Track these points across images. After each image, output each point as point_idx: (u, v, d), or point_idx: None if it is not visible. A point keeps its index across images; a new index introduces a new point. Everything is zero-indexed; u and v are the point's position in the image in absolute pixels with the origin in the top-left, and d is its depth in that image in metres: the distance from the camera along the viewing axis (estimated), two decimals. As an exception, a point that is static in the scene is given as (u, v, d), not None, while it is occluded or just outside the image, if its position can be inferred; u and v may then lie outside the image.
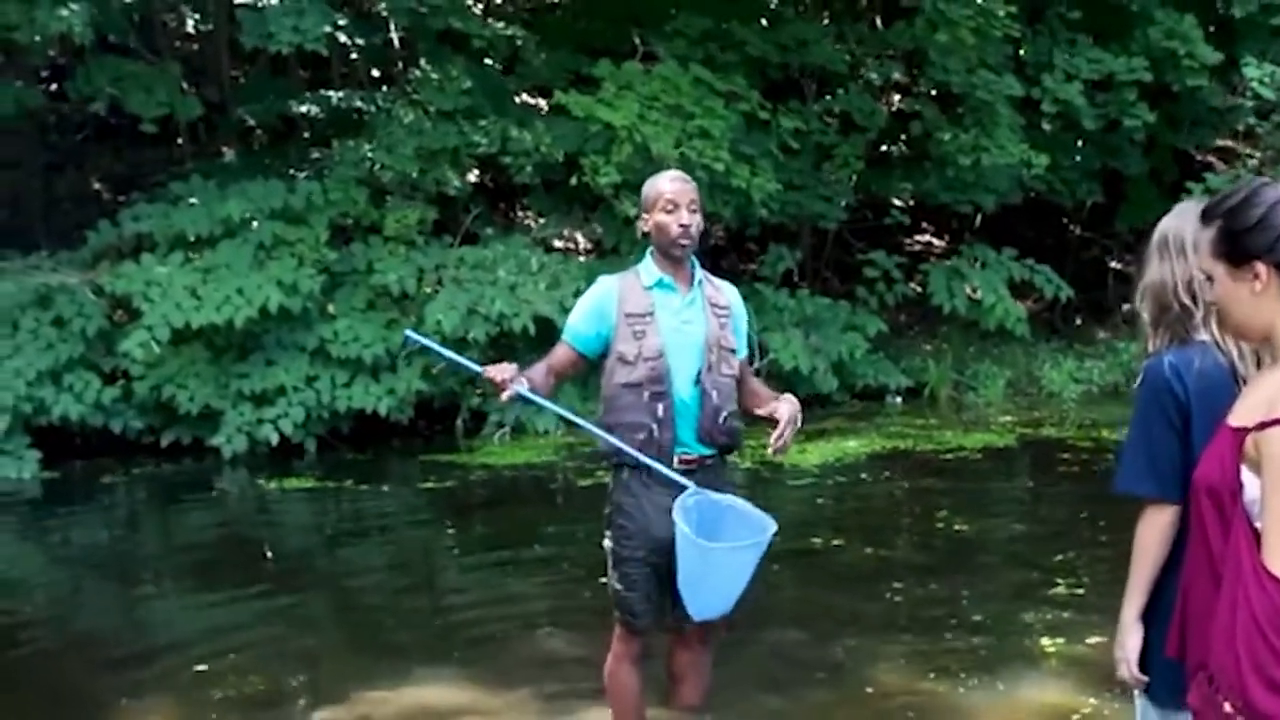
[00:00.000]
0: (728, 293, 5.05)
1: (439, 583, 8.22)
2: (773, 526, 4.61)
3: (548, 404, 4.84)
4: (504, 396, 4.69)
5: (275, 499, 10.35)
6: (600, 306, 4.90)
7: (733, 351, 4.94)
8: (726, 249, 16.06)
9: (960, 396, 13.81)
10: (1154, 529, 3.28)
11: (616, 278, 5.02)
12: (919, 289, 15.01)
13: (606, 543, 5.00)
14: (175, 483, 10.93)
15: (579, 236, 14.94)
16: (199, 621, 7.23)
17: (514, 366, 4.71)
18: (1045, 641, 6.16)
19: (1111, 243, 16.80)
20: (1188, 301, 3.34)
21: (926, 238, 17.67)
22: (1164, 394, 3.26)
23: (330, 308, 11.90)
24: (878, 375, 13.76)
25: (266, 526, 9.93)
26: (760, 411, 4.98)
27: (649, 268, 4.94)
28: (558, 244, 14.37)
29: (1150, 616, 3.33)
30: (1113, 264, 16.81)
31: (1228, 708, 2.57)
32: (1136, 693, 3.44)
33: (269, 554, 8.98)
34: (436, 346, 5.50)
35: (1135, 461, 3.32)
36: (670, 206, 4.83)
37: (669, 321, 4.87)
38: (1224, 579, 2.65)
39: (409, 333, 5.58)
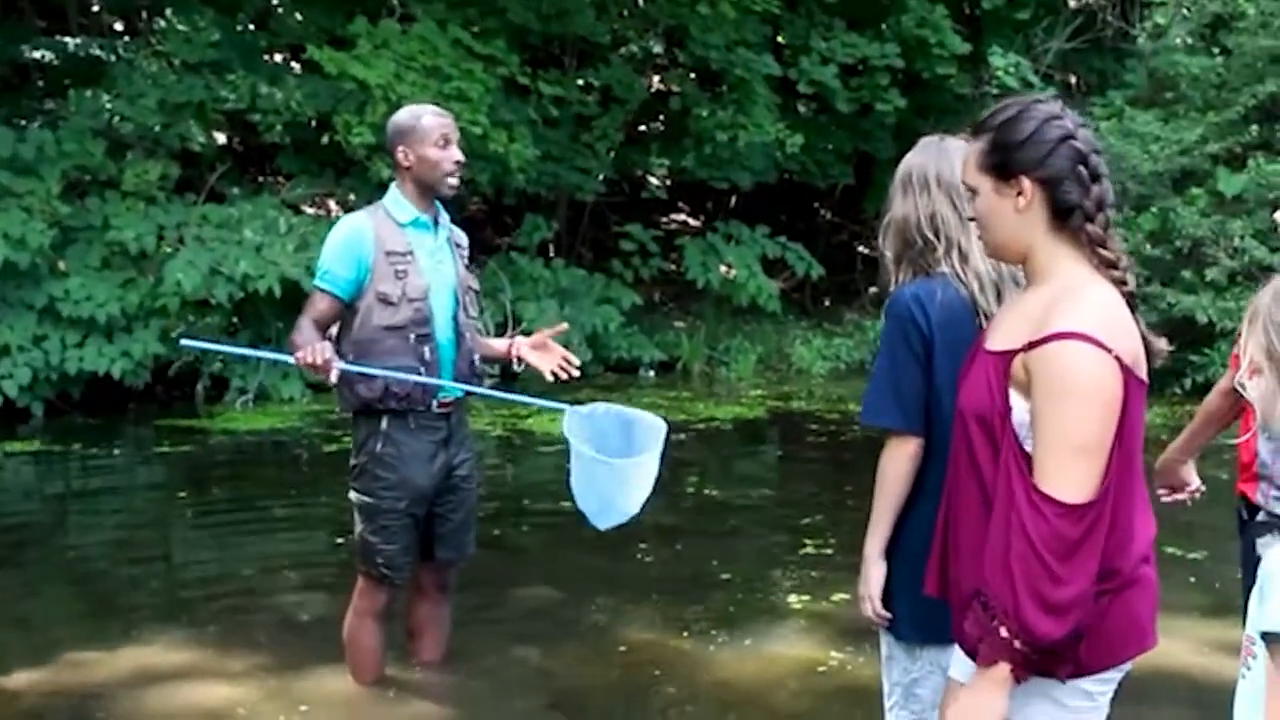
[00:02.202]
0: (458, 232, 4.94)
1: (171, 547, 7.83)
2: (662, 428, 4.45)
3: (372, 370, 4.56)
4: (331, 379, 4.41)
5: (-4, 464, 9.75)
6: (355, 247, 4.66)
7: (477, 292, 4.84)
8: (484, 220, 15.85)
9: (713, 371, 13.92)
10: (898, 460, 3.26)
11: (365, 213, 4.82)
12: (674, 264, 15.08)
13: (355, 495, 4.79)
14: (-116, 446, 10.19)
15: (330, 201, 14.52)
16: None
17: (321, 345, 4.40)
18: (792, 599, 6.17)
19: (860, 227, 17.18)
20: (930, 235, 3.34)
21: (683, 215, 17.80)
22: (907, 324, 3.25)
23: (62, 264, 11.26)
24: (631, 348, 13.77)
25: (-15, 492, 9.33)
26: (546, 332, 4.88)
27: (401, 204, 4.74)
28: (310, 209, 13.94)
29: (893, 553, 3.31)
30: (860, 248, 17.21)
31: (1004, 632, 2.53)
32: (881, 630, 3.42)
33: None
34: (220, 347, 5.23)
35: (880, 394, 3.30)
36: (443, 141, 4.67)
37: (426, 261, 4.69)
38: (994, 504, 2.62)
39: (184, 341, 5.25)
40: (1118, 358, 2.53)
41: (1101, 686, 2.71)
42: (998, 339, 2.72)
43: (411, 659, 5.11)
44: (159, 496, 9.03)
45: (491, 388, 4.93)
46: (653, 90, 15.94)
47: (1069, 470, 2.51)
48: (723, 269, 14.47)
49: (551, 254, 14.46)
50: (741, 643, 5.60)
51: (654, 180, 16.54)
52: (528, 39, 14.13)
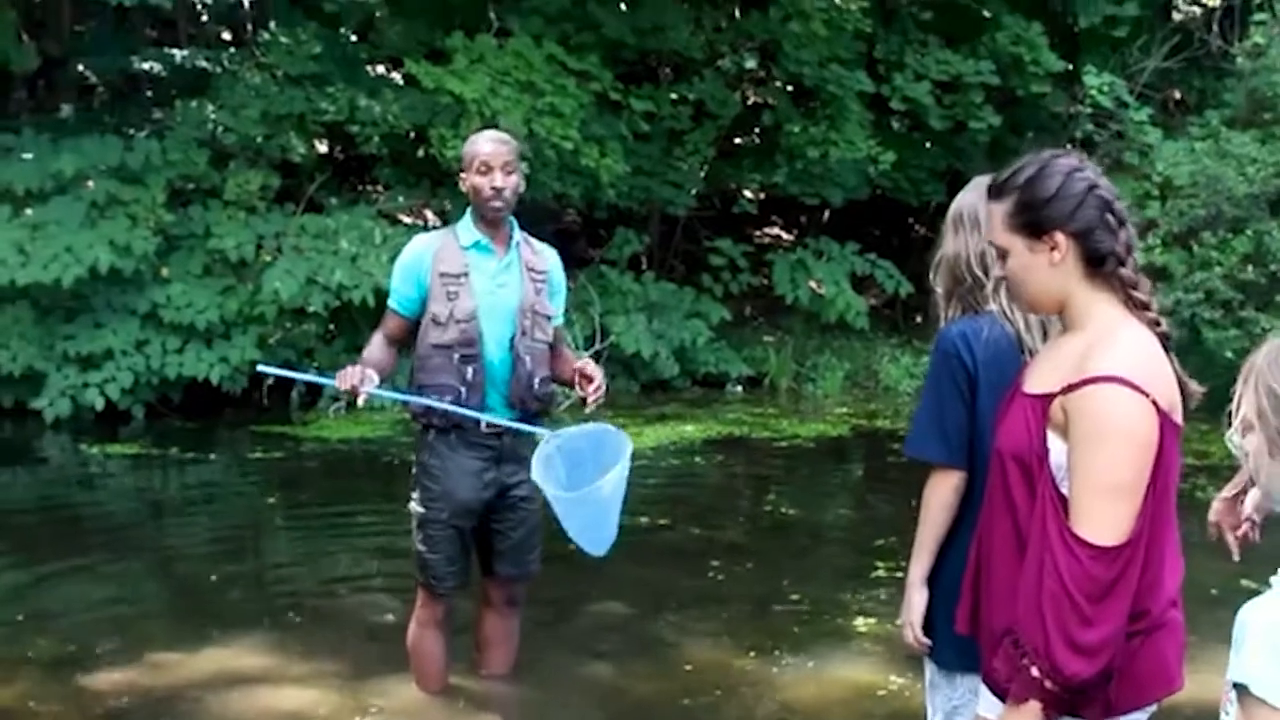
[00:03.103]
0: (547, 257, 5.04)
1: (260, 550, 8.09)
2: (629, 445, 4.60)
3: (395, 395, 4.80)
4: (359, 401, 4.68)
5: (98, 465, 10.07)
6: (416, 266, 4.86)
7: (548, 318, 4.93)
8: (578, 233, 16.03)
9: (799, 387, 13.95)
10: (940, 492, 3.36)
11: (433, 235, 5.01)
12: (764, 280, 15.13)
13: (412, 505, 4.97)
14: (-6, 445, 10.58)
15: (427, 211, 14.77)
16: (3, 584, 6.99)
17: (359, 369, 4.64)
18: (859, 621, 6.24)
19: (954, 243, 17.10)
20: (979, 273, 3.43)
21: (775, 230, 17.83)
22: (953, 361, 3.34)
23: (164, 271, 11.58)
24: (719, 363, 13.83)
25: (88, 492, 9.65)
26: (565, 374, 4.98)
27: (467, 228, 4.91)
28: (404, 217, 14.21)
29: (934, 582, 3.40)
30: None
31: (1035, 672, 2.61)
32: (925, 657, 3.50)
33: (88, 520, 8.73)
34: (287, 372, 5.53)
35: (925, 427, 3.40)
36: (484, 168, 4.80)
37: (483, 284, 4.84)
38: (1029, 544, 2.69)
39: (260, 367, 5.63)
40: (1154, 401, 2.60)
41: None
42: (1036, 382, 2.79)
43: (479, 670, 5.26)
44: (252, 501, 9.30)
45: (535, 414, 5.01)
46: (748, 104, 16.01)
47: (1103, 512, 2.58)
48: (812, 285, 14.50)
49: (644, 267, 14.58)
50: (804, 665, 5.68)
51: (747, 195, 16.60)
52: (622, 53, 14.28)
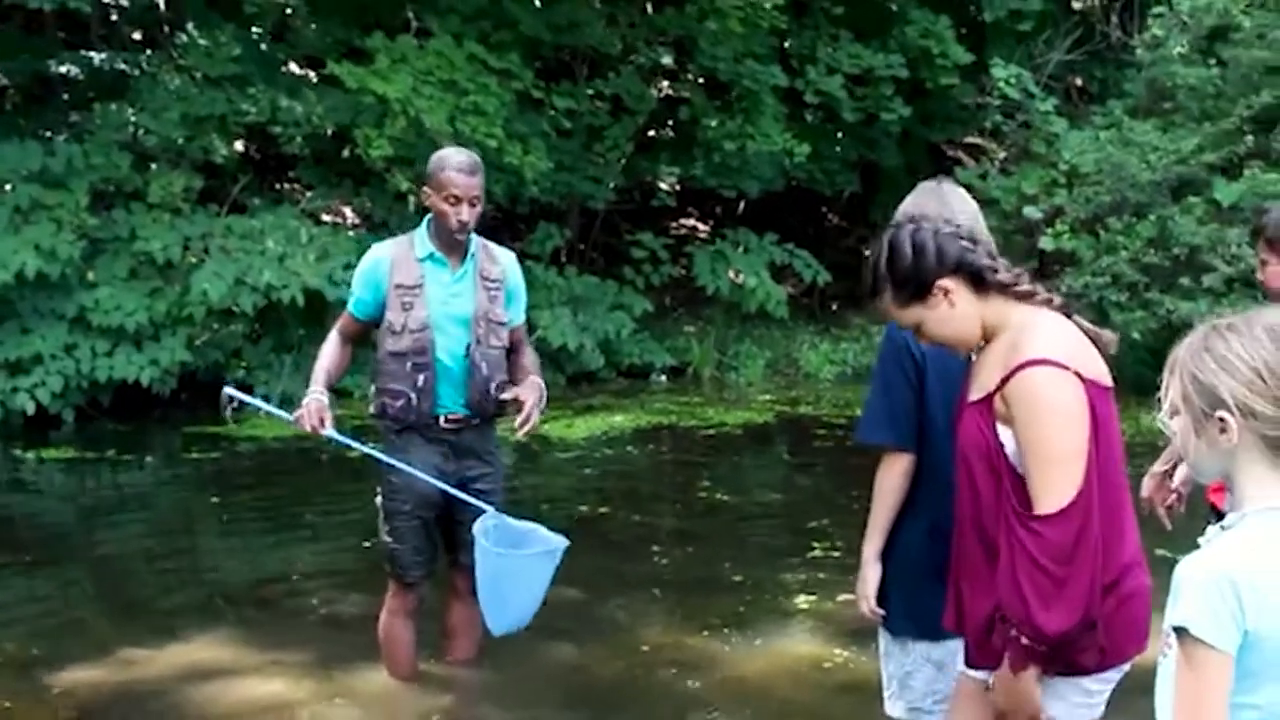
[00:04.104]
0: (503, 262, 5.22)
1: (205, 550, 8.18)
2: (564, 542, 4.89)
3: (348, 441, 5.07)
4: (323, 435, 4.91)
5: (31, 470, 10.07)
6: (373, 274, 5.07)
7: (502, 324, 5.12)
8: (499, 226, 16.16)
9: (722, 376, 14.22)
10: (892, 474, 3.61)
11: (390, 244, 5.18)
12: (684, 271, 15.38)
13: (378, 499, 5.15)
14: (-79, 452, 10.53)
15: (347, 210, 14.84)
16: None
17: (316, 409, 4.87)
18: (800, 599, 6.50)
19: (867, 232, 17.44)
20: None
21: (692, 221, 18.09)
22: (901, 352, 3.59)
23: (91, 275, 11.58)
24: (643, 354, 14.06)
25: (21, 496, 9.66)
26: (505, 396, 5.12)
27: (423, 239, 5.09)
28: (327, 217, 14.26)
29: (887, 556, 3.65)
30: (867, 253, 17.41)
31: (1024, 640, 2.89)
32: (880, 627, 3.76)
33: (24, 524, 8.77)
34: (252, 400, 5.66)
35: (876, 414, 3.65)
36: (453, 200, 4.96)
37: (438, 294, 5.03)
38: (1000, 529, 2.96)
39: (228, 389, 5.83)
40: (1076, 372, 2.89)
41: (1100, 686, 3.06)
42: (976, 388, 3.10)
43: (446, 656, 5.44)
44: (188, 501, 9.37)
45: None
46: (662, 96, 16.22)
47: (1051, 481, 2.88)
48: (731, 275, 14.76)
49: (564, 261, 14.76)
50: (752, 642, 5.94)
51: (664, 188, 16.84)
52: (540, 50, 14.44)
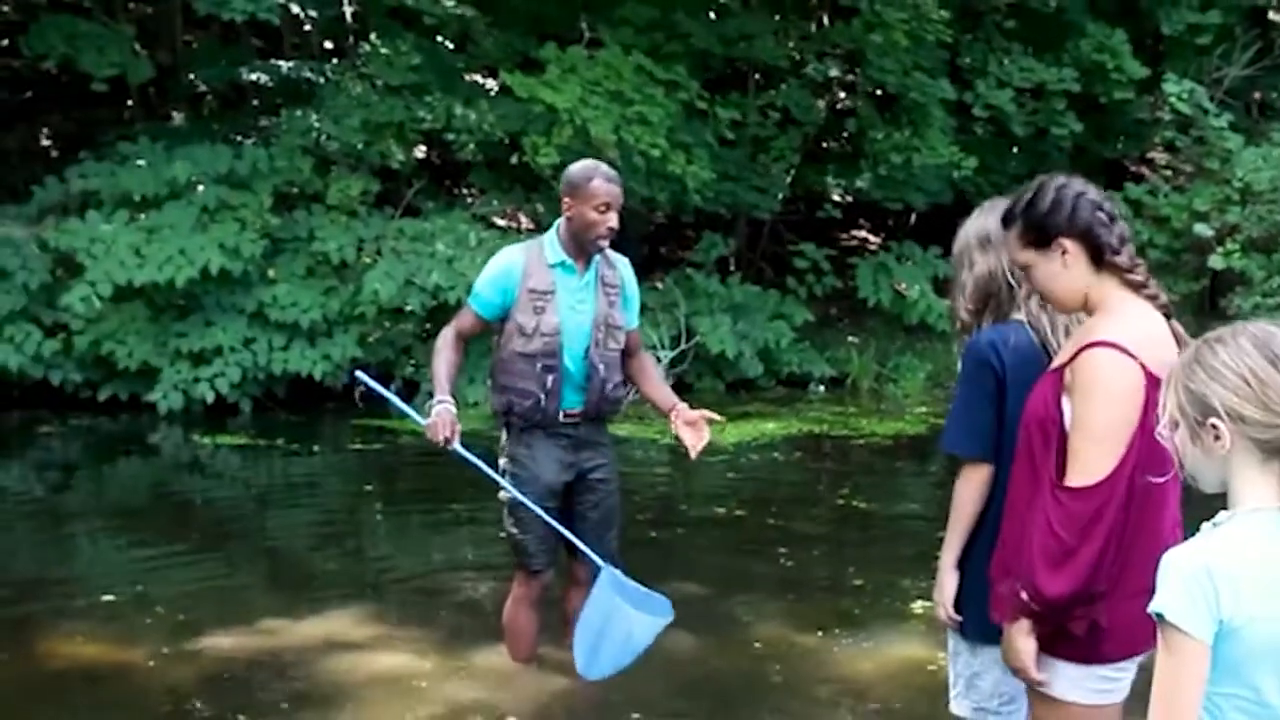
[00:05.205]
0: (620, 268, 5.46)
1: (358, 535, 8.60)
2: (671, 614, 5.12)
3: (469, 457, 5.26)
4: (451, 451, 5.18)
5: (207, 455, 10.66)
6: (505, 278, 5.29)
7: (619, 328, 5.37)
8: (665, 236, 16.47)
9: (881, 387, 14.23)
10: (971, 485, 3.71)
11: (521, 249, 5.43)
12: (847, 282, 15.43)
13: (502, 494, 5.42)
14: (111, 436, 11.21)
15: (520, 215, 15.27)
16: (121, 562, 7.62)
17: (448, 421, 5.14)
18: (915, 605, 6.60)
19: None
20: (1012, 283, 3.78)
21: (863, 233, 18.13)
22: (983, 367, 3.69)
23: (271, 272, 12.19)
24: (802, 363, 14.16)
25: (198, 479, 10.26)
26: (642, 381, 5.46)
27: (554, 246, 5.33)
28: (499, 221, 14.71)
29: (964, 565, 3.77)
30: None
31: (1024, 595, 3.09)
32: (950, 630, 3.88)
33: (198, 505, 9.33)
34: (382, 390, 5.93)
35: (958, 426, 3.76)
36: (603, 208, 5.20)
37: (566, 300, 5.28)
38: (1037, 495, 3.13)
39: (358, 373, 6.09)
40: (1142, 364, 3.01)
41: (1117, 673, 3.18)
42: (1059, 359, 3.24)
43: (565, 641, 5.69)
44: (352, 490, 9.84)
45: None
46: (837, 107, 16.31)
47: (1086, 456, 3.06)
48: (895, 287, 14.79)
49: (731, 269, 14.95)
50: (862, 643, 6.09)
51: (836, 198, 16.90)
52: (709, 62, 14.68)
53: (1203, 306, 13.87)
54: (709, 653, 5.98)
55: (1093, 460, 3.02)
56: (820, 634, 6.21)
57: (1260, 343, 2.37)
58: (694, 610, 6.45)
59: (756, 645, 6.11)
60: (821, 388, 14.15)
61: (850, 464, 10.67)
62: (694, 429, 5.28)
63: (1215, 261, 13.06)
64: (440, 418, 5.14)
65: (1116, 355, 3.04)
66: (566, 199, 5.27)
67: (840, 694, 5.48)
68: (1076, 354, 3.12)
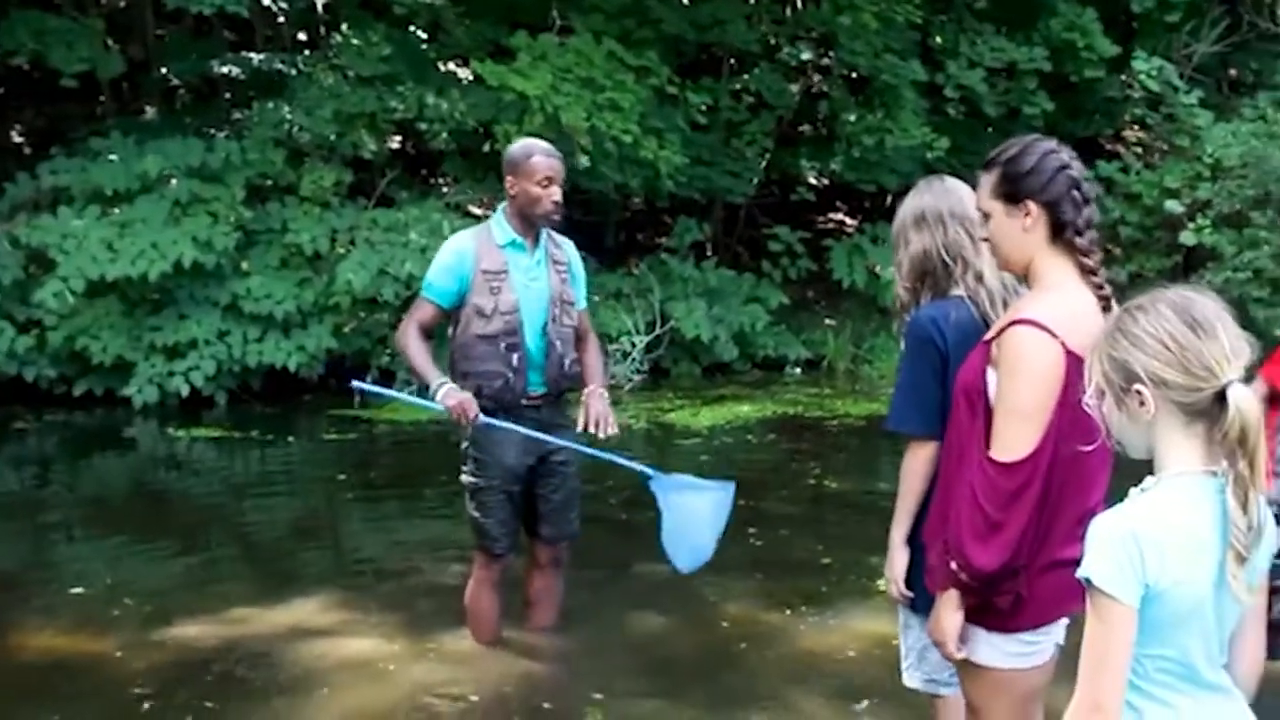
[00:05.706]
0: (566, 249, 5.53)
1: (333, 524, 8.64)
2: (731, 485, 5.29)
3: (497, 423, 5.24)
4: (474, 426, 5.19)
5: (183, 448, 10.67)
6: (458, 263, 5.33)
7: (572, 304, 5.43)
8: (640, 221, 16.49)
9: (856, 369, 14.30)
10: (919, 461, 3.75)
11: (469, 234, 5.48)
12: (823, 265, 15.47)
13: (464, 477, 5.47)
14: (86, 431, 11.21)
15: (494, 203, 15.22)
16: (94, 554, 7.64)
17: (467, 396, 5.14)
18: (881, 582, 6.58)
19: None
20: (949, 260, 3.84)
21: (838, 216, 18.17)
22: (926, 344, 3.73)
23: (244, 265, 12.20)
24: (778, 346, 14.22)
25: (174, 472, 10.26)
26: (588, 359, 5.58)
27: (503, 227, 5.38)
28: (473, 210, 14.71)
29: (914, 541, 3.81)
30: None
31: (953, 565, 3.13)
32: (900, 605, 3.93)
33: (174, 497, 9.35)
34: (385, 391, 5.95)
35: (903, 403, 3.80)
36: (545, 182, 5.25)
37: (519, 278, 5.31)
38: (963, 463, 3.18)
39: (355, 382, 6.11)
40: (1063, 343, 3.04)
41: (1040, 636, 3.26)
42: (990, 331, 3.28)
43: (527, 624, 5.76)
44: (326, 480, 9.84)
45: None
46: (810, 91, 16.32)
47: (1008, 431, 3.10)
48: (869, 269, 14.84)
49: (707, 254, 14.98)
50: (828, 620, 6.15)
51: (810, 181, 16.93)
52: (682, 47, 14.70)
53: (1175, 282, 13.90)
54: (674, 632, 6.05)
55: (1013, 438, 3.07)
56: (787, 612, 6.26)
57: (1179, 308, 2.42)
58: (662, 591, 6.53)
59: (723, 624, 6.16)
60: (797, 370, 14.22)
61: (824, 445, 10.72)
62: (593, 412, 5.29)
63: (1187, 237, 13.14)
64: (456, 397, 5.15)
65: (1038, 334, 3.08)
66: (509, 178, 5.33)
67: (804, 669, 5.55)
68: (1003, 329, 3.16)
